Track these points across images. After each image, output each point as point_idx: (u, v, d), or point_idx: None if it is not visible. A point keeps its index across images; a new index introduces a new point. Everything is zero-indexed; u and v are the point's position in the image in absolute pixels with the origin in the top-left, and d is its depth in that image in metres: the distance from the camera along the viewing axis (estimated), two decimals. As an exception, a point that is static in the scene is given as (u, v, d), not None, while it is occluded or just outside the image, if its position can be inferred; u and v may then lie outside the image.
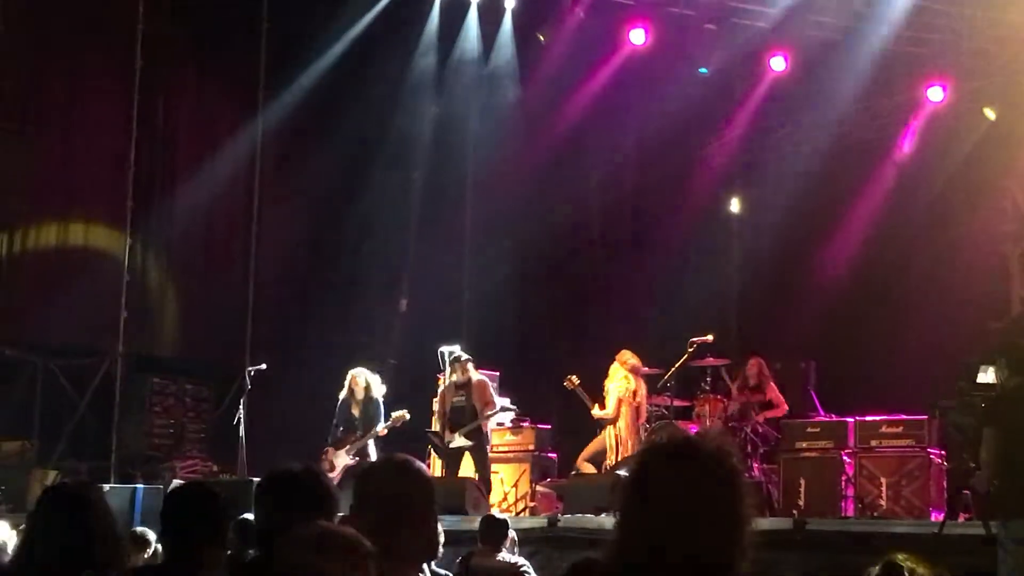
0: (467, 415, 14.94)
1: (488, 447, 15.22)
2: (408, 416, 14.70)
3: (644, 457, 2.91)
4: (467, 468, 15.00)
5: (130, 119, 17.07)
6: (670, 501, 2.76)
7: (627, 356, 15.08)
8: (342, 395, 14.89)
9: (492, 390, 15.22)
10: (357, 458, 14.50)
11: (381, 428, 14.59)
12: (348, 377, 14.86)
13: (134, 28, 16.93)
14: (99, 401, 16.61)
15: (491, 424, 15.18)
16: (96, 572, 4.53)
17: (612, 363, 15.10)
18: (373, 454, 14.56)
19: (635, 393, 14.87)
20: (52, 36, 16.83)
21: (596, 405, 14.95)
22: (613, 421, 14.80)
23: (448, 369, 15.28)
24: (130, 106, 17.06)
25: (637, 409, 14.87)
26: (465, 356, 15.17)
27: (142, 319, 17.25)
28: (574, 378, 15.17)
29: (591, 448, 15.09)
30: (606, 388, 15.00)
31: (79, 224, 17.20)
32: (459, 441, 14.89)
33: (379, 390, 14.86)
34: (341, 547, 3.21)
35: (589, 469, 15.03)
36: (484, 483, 14.78)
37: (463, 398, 15.01)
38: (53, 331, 16.62)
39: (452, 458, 15.00)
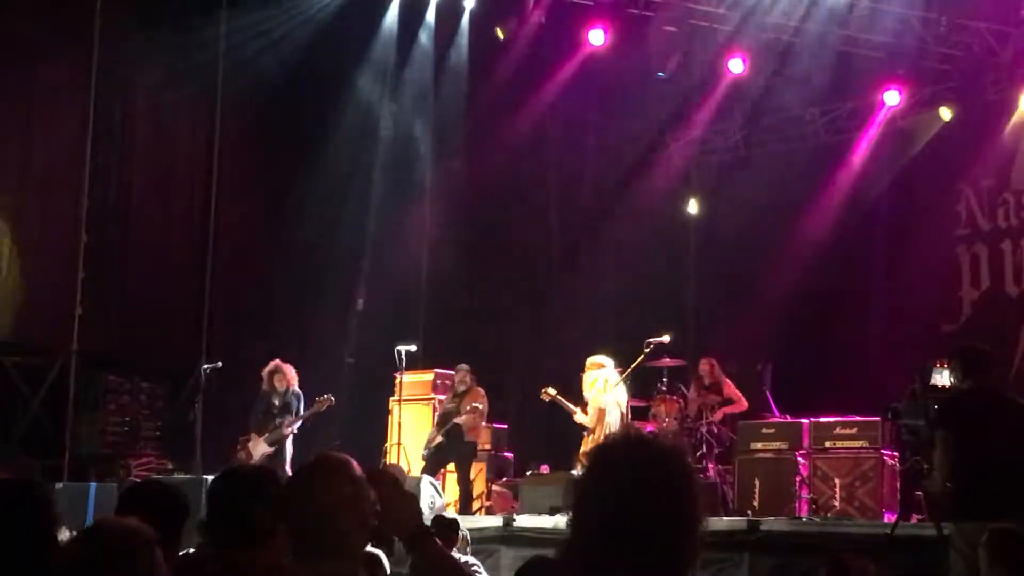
0: (452, 418, 15.21)
1: (472, 453, 15.35)
2: (333, 400, 14.83)
3: (596, 455, 2.91)
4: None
5: (86, 114, 16.95)
6: (621, 498, 2.76)
7: (596, 361, 14.56)
8: (264, 387, 15.01)
9: (485, 403, 15.29)
10: (275, 447, 14.70)
11: (303, 415, 14.78)
12: (269, 369, 14.97)
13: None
14: (52, 398, 16.47)
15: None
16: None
17: (584, 371, 14.75)
18: (290, 445, 14.79)
19: (616, 403, 14.35)
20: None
21: (578, 410, 14.61)
22: (592, 431, 14.56)
23: (455, 377, 15.65)
24: (87, 104, 16.94)
25: (621, 418, 14.38)
26: (466, 367, 15.48)
27: (97, 316, 17.12)
28: (550, 390, 15.05)
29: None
30: (585, 395, 14.57)
31: (33, 220, 17.05)
32: (439, 439, 15.18)
33: (296, 382, 15.02)
34: (116, 540, 3.28)
35: None
36: (463, 487, 14.91)
37: (454, 405, 15.26)
38: (5, 328, 16.48)
39: (431, 458, 15.22)
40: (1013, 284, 17.14)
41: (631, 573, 2.74)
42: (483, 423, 15.58)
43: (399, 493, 3.51)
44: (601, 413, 14.34)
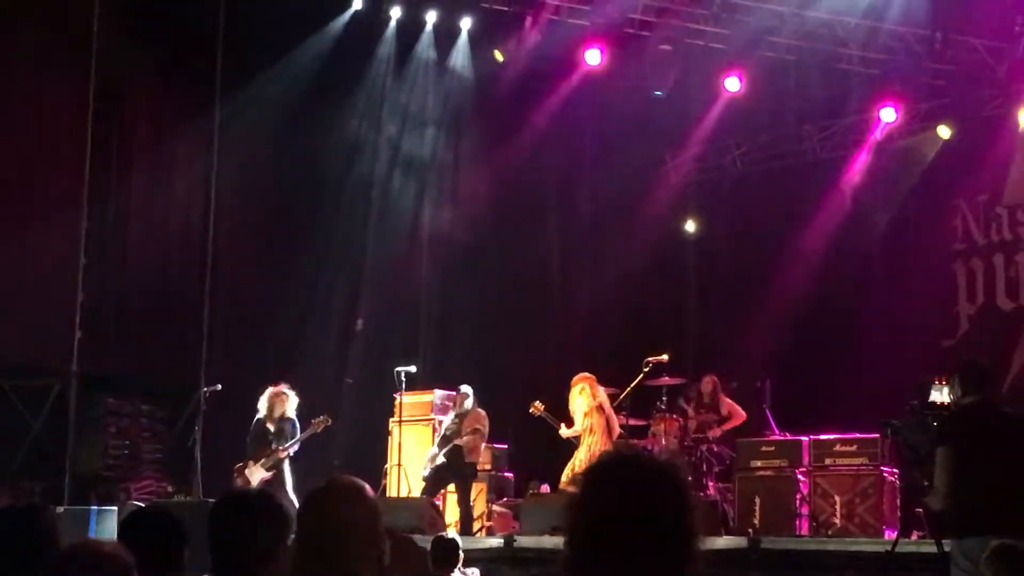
0: (452, 439, 15.18)
1: (473, 474, 15.30)
2: (329, 421, 14.75)
3: (590, 473, 2.91)
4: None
5: (84, 136, 16.96)
6: (616, 516, 2.75)
7: (582, 375, 15.03)
8: (259, 414, 14.79)
9: (485, 424, 15.27)
10: (273, 471, 14.54)
11: (299, 438, 14.62)
12: (267, 395, 14.79)
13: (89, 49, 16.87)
14: (53, 421, 16.45)
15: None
16: None
17: (570, 389, 15.08)
18: (288, 469, 14.64)
19: (600, 406, 14.77)
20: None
21: (563, 425, 14.92)
22: (582, 436, 14.77)
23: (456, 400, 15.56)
24: (85, 123, 16.96)
25: (608, 421, 14.80)
26: (467, 389, 15.38)
27: (97, 339, 17.11)
28: (539, 404, 15.21)
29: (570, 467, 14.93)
30: (572, 410, 14.97)
31: (32, 242, 17.05)
32: (440, 460, 15.08)
33: (293, 409, 14.82)
34: (91, 565, 3.31)
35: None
36: (464, 508, 14.89)
37: (455, 426, 15.21)
38: (4, 351, 16.47)
39: (431, 479, 15.15)
40: (1006, 298, 17.17)
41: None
42: (484, 444, 15.56)
43: (409, 545, 3.55)
44: (582, 419, 14.66)
